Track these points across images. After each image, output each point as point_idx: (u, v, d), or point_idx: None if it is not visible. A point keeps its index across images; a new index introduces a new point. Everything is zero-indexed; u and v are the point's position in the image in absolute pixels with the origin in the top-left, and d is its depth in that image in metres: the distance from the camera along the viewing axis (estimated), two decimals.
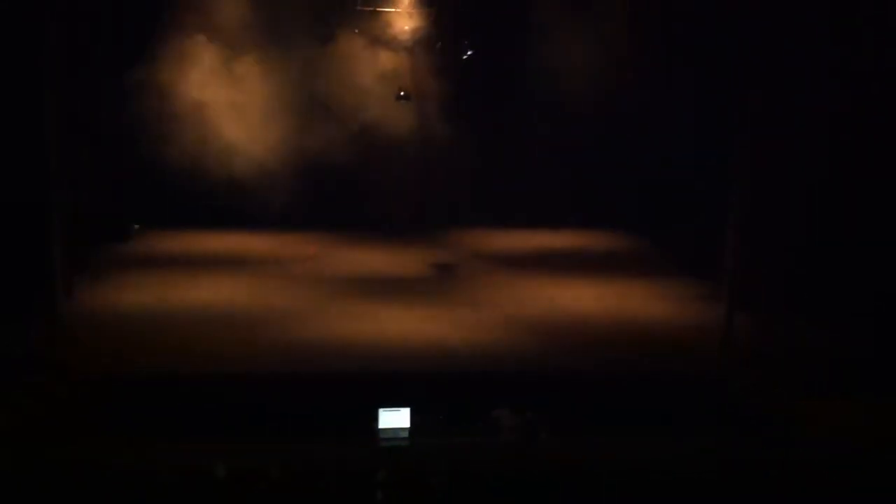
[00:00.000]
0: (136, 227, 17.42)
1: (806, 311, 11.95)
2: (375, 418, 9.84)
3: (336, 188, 18.31)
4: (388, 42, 17.37)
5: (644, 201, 17.47)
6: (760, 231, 12.83)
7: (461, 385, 10.73)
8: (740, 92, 12.87)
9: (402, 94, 17.24)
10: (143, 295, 13.56)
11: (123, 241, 16.78)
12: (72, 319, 12.02)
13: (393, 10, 17.12)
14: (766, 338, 11.50)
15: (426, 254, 16.72)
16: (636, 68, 16.25)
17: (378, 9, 17.19)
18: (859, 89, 12.21)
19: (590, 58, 16.41)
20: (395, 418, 9.91)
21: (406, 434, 9.87)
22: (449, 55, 17.90)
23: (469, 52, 18.20)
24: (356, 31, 17.27)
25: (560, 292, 14.33)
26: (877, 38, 12.14)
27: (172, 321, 12.43)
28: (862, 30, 12.22)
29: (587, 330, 12.45)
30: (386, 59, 17.56)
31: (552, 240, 18.15)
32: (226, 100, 16.77)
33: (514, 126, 18.18)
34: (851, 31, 12.25)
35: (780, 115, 12.55)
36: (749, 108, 12.65)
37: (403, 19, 17.20)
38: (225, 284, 14.46)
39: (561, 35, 16.83)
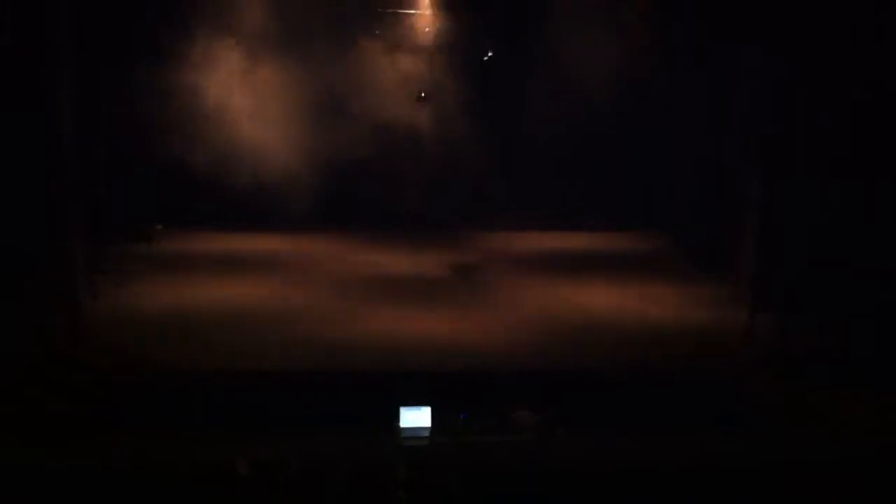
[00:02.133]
0: (160, 227, 17.53)
1: (817, 312, 11.92)
2: (397, 416, 9.88)
3: (357, 188, 18.40)
4: (408, 44, 17.43)
5: (658, 202, 17.50)
6: (770, 231, 12.83)
7: (482, 384, 10.71)
8: (752, 97, 12.90)
9: (422, 95, 17.30)
10: (166, 294, 13.64)
11: (146, 241, 16.88)
12: (94, 317, 12.09)
13: (414, 12, 17.14)
14: (781, 337, 11.46)
15: (447, 254, 16.72)
16: (649, 68, 16.27)
17: (399, 10, 17.21)
18: (865, 95, 12.19)
19: (604, 57, 16.50)
20: (416, 417, 9.95)
21: (427, 433, 9.92)
22: (469, 57, 17.92)
23: (489, 55, 18.25)
24: (377, 33, 17.37)
25: (579, 292, 14.33)
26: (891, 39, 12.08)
27: (195, 319, 12.50)
28: (879, 30, 12.15)
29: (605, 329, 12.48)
30: (406, 62, 17.62)
31: (570, 241, 18.14)
32: (248, 101, 16.86)
33: (530, 127, 18.25)
34: (867, 33, 12.18)
35: (789, 118, 12.52)
36: (760, 112, 12.69)
37: (424, 21, 17.24)
38: (247, 284, 14.52)
39: (576, 37, 16.92)
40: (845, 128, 12.31)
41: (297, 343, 11.75)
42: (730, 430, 10.03)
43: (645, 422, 9.92)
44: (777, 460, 8.81)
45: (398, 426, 9.86)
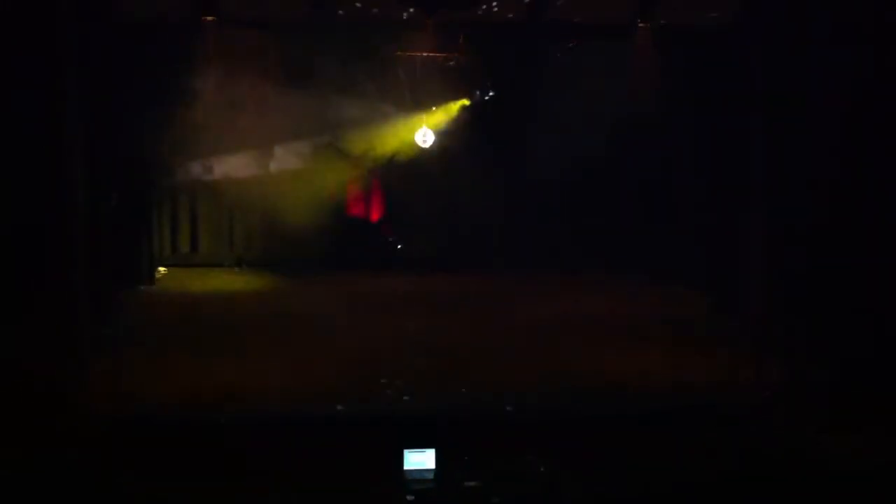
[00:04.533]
0: (162, 270, 17.64)
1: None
2: (400, 459, 9.83)
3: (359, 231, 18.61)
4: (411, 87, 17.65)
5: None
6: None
7: (488, 427, 10.67)
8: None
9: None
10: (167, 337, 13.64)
11: (148, 283, 16.93)
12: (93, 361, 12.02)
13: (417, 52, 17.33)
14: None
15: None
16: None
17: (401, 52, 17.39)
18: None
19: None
20: (420, 459, 9.89)
21: (431, 475, 9.77)
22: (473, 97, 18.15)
23: (490, 94, 18.44)
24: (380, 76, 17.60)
25: None
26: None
27: (196, 362, 12.40)
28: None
29: None
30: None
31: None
32: (250, 140, 17.06)
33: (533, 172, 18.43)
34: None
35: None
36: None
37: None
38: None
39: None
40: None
41: None
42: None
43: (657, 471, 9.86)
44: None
45: (402, 468, 9.82)
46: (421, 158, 17.94)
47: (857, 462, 9.60)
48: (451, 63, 17.44)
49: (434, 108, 18.00)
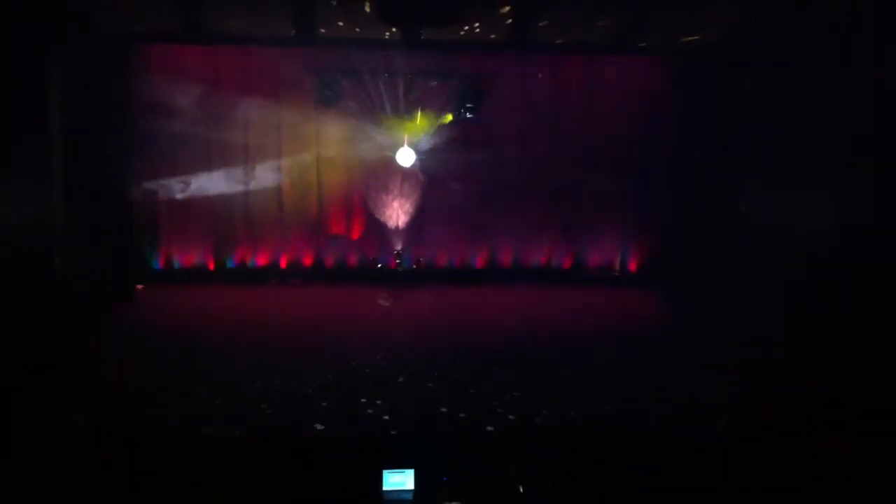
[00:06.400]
0: (140, 286, 17.41)
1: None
2: (379, 479, 9.68)
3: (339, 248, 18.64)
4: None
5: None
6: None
7: (468, 445, 10.54)
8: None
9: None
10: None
11: (126, 301, 16.68)
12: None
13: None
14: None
15: None
16: None
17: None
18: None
19: None
20: (399, 479, 9.75)
21: (410, 496, 9.69)
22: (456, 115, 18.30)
23: (468, 114, 18.57)
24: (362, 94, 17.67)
25: None
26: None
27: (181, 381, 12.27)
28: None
29: None
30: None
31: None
32: (231, 156, 17.02)
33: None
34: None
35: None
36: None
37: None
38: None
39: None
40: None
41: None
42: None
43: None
44: None
45: (381, 489, 9.67)
46: (403, 175, 18.06)
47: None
48: (434, 82, 17.62)
49: (416, 126, 18.11)
